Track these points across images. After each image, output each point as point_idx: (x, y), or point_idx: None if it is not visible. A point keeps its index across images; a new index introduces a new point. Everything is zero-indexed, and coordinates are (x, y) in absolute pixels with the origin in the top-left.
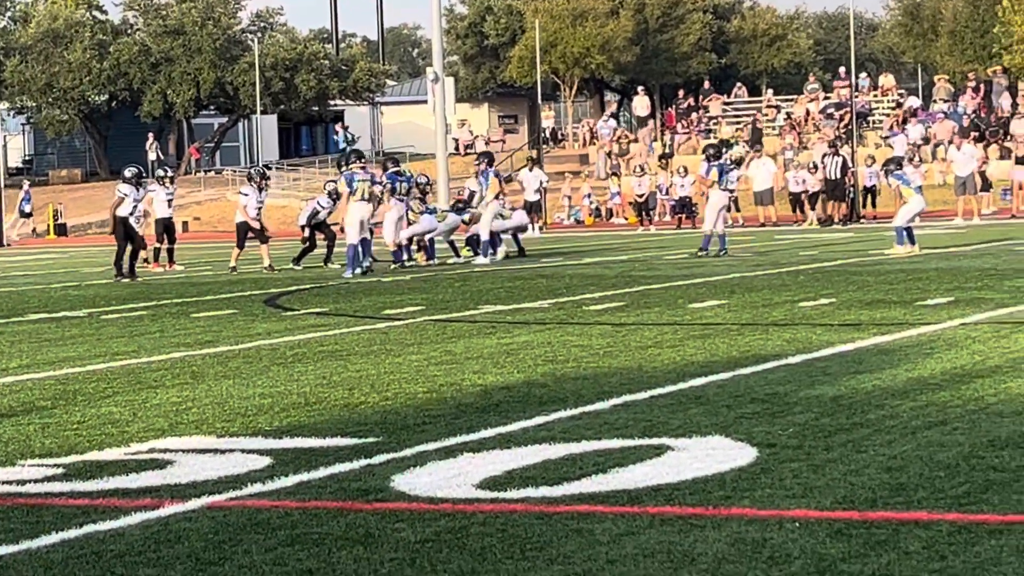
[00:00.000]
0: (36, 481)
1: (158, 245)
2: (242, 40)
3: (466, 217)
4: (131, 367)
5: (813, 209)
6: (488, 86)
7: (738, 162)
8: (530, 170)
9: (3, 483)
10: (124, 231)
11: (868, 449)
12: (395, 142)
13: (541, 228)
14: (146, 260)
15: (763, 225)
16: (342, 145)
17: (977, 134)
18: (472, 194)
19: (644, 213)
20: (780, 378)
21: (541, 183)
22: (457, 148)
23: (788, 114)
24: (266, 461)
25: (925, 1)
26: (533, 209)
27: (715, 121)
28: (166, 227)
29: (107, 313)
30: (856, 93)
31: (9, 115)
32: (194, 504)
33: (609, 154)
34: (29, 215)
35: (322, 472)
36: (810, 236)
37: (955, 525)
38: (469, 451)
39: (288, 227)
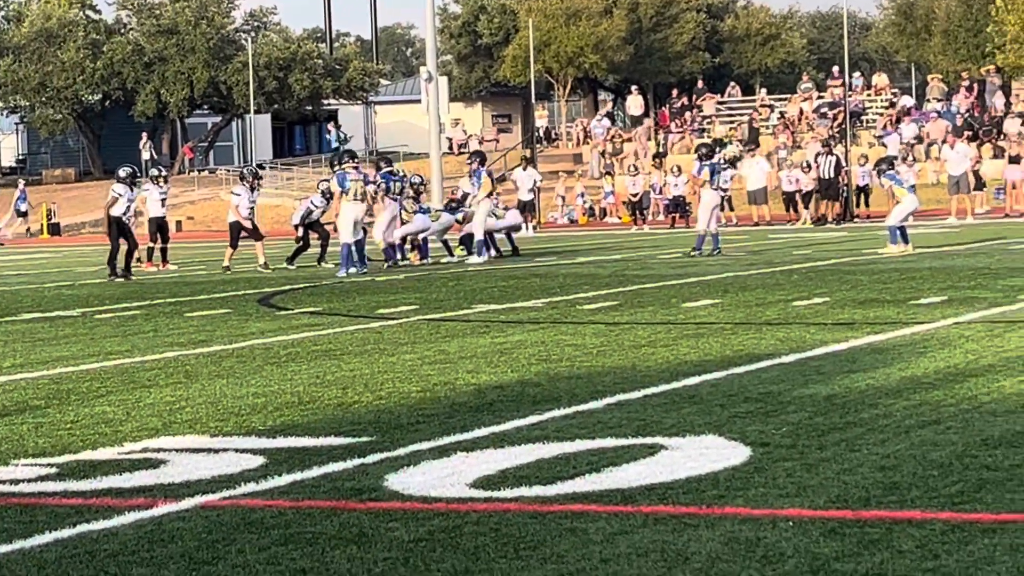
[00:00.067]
0: (29, 480)
1: (151, 244)
2: (236, 39)
3: (459, 216)
4: (125, 366)
5: (807, 208)
6: (482, 85)
7: (732, 161)
8: (524, 169)
9: None
10: (118, 230)
11: (861, 448)
12: (389, 141)
13: (535, 227)
14: (139, 260)
15: (757, 224)
16: (335, 144)
17: (970, 133)
18: (466, 195)
19: (638, 212)
20: (774, 377)
21: (535, 182)
22: (451, 147)
23: (782, 113)
24: (260, 460)
25: (918, 0)
26: (527, 208)
27: (709, 120)
28: (159, 226)
29: (100, 312)
30: (850, 92)
31: (2, 114)
32: (187, 503)
33: (603, 153)
34: (25, 214)
35: (316, 471)
36: (804, 235)
37: (948, 524)
38: (463, 450)
39: (282, 226)
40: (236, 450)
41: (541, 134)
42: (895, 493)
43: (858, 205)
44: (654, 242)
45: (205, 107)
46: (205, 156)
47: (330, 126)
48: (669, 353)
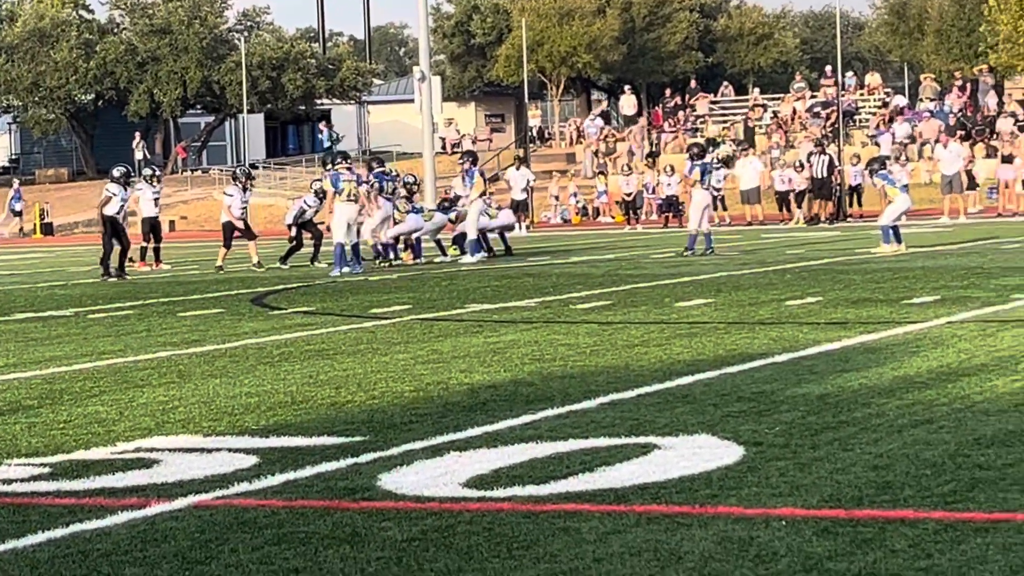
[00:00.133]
0: (22, 480)
1: (144, 244)
2: (229, 39)
3: (452, 216)
4: (118, 366)
5: (800, 208)
6: (475, 85)
7: (725, 161)
8: (517, 169)
9: None
10: (112, 230)
11: (854, 447)
12: (382, 141)
13: (528, 227)
14: (131, 259)
15: (750, 224)
16: (327, 144)
17: (963, 133)
18: (458, 197)
19: (632, 212)
20: (767, 377)
21: (528, 182)
22: (444, 147)
23: (775, 113)
24: (253, 460)
25: (911, 0)
26: (520, 208)
27: (702, 120)
28: (152, 226)
29: (93, 312)
30: (842, 92)
31: None
32: (180, 503)
33: (596, 153)
34: (20, 213)
35: (309, 471)
36: (796, 235)
37: (941, 523)
38: (456, 450)
39: (275, 226)
40: (229, 450)
41: (534, 134)
42: (888, 492)
43: (851, 205)
44: (647, 242)
45: (198, 107)
46: (198, 156)
47: (322, 126)
48: (662, 352)
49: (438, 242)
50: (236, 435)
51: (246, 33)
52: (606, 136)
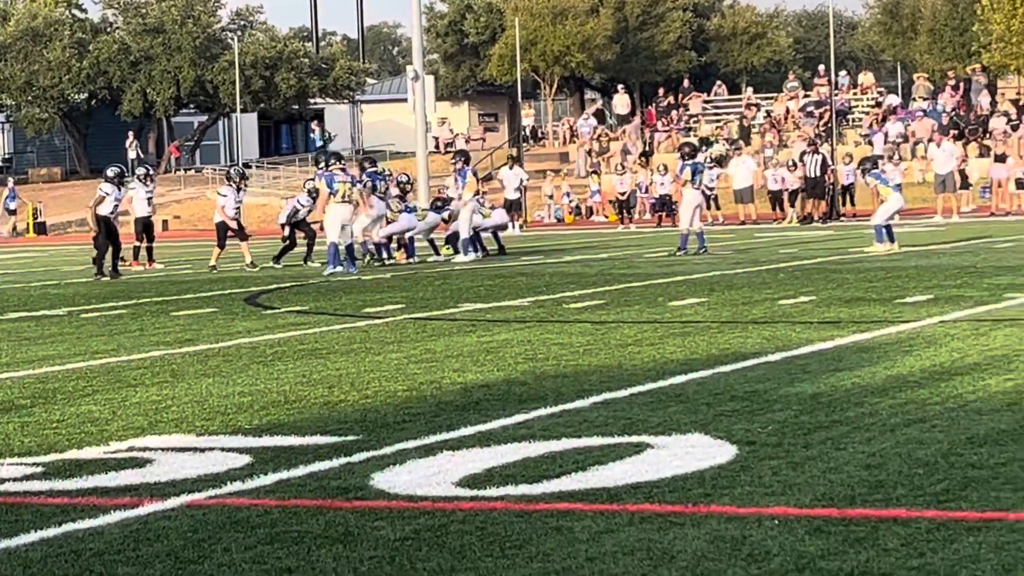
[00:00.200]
0: (15, 480)
1: (137, 243)
2: (222, 38)
3: (446, 215)
4: (111, 365)
5: (793, 207)
6: (468, 84)
7: (719, 160)
8: (510, 168)
9: None
10: (106, 230)
11: (847, 447)
12: (375, 140)
13: (521, 226)
14: (122, 259)
15: (743, 223)
16: (319, 143)
17: (956, 132)
18: (450, 199)
19: (625, 211)
20: (760, 376)
21: (521, 181)
22: (437, 146)
23: (768, 112)
24: (246, 459)
25: None
26: (513, 207)
27: (695, 119)
28: (145, 225)
29: (87, 312)
30: (836, 91)
31: None
32: (173, 502)
33: (589, 152)
34: (14, 212)
35: (302, 470)
36: (790, 234)
37: (934, 522)
38: (449, 449)
39: (268, 225)
40: (222, 449)
41: (527, 133)
42: (880, 491)
43: (843, 204)
44: (640, 241)
45: (191, 106)
46: (191, 155)
47: (314, 125)
48: (655, 352)
49: (431, 241)
50: (229, 434)
51: (239, 32)
52: (599, 135)
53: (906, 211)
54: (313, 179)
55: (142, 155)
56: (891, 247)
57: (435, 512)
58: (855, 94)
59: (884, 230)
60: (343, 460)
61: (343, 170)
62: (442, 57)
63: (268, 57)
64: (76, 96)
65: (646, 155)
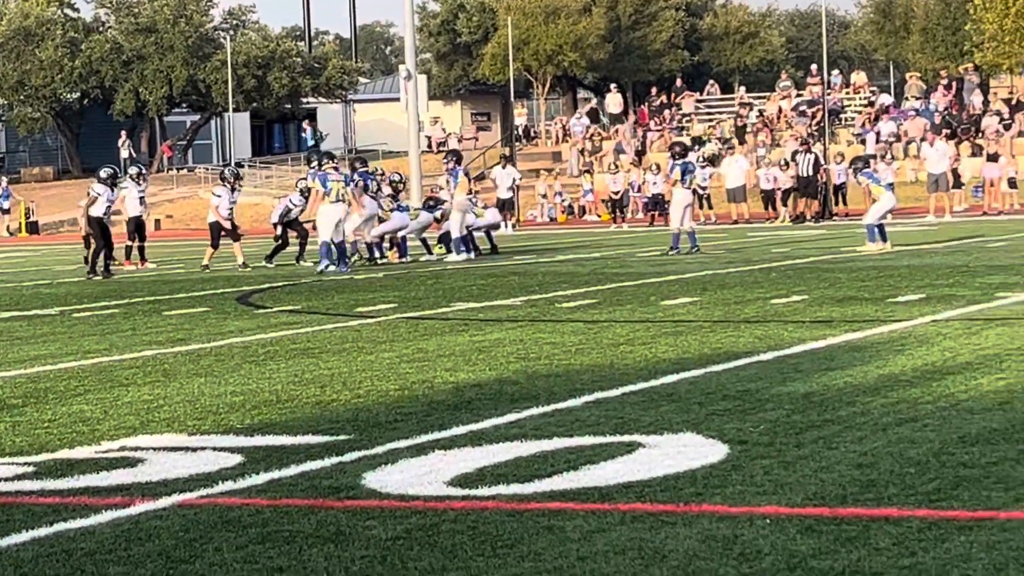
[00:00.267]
0: (7, 479)
1: (129, 243)
2: (214, 38)
3: (438, 214)
4: (103, 365)
5: (785, 206)
6: (461, 83)
7: (711, 160)
8: (503, 167)
9: None
10: (99, 230)
11: (839, 446)
12: (368, 140)
13: (514, 225)
14: (112, 258)
15: (736, 222)
16: (310, 143)
17: (949, 131)
18: (442, 200)
19: (618, 211)
20: (752, 375)
21: (514, 180)
22: (430, 145)
23: (760, 111)
24: (237, 459)
25: None
26: (506, 207)
27: (688, 119)
28: (137, 225)
29: (79, 311)
30: (828, 90)
31: None
32: (165, 502)
33: (582, 151)
34: (7, 211)
35: (293, 470)
36: (782, 233)
37: (925, 521)
38: (440, 448)
39: (261, 225)
40: (214, 448)
41: (520, 132)
42: (872, 490)
43: (835, 203)
44: (633, 240)
45: (184, 105)
46: (184, 154)
47: (305, 124)
48: (647, 351)
49: (424, 241)
50: (221, 434)
51: (232, 32)
52: (592, 135)
53: (899, 210)
54: (306, 178)
55: (134, 154)
56: (883, 246)
57: (427, 511)
58: (848, 93)
59: (876, 229)
60: (335, 459)
61: (336, 169)
62: (435, 56)
63: (261, 56)
64: (68, 95)
65: (639, 154)
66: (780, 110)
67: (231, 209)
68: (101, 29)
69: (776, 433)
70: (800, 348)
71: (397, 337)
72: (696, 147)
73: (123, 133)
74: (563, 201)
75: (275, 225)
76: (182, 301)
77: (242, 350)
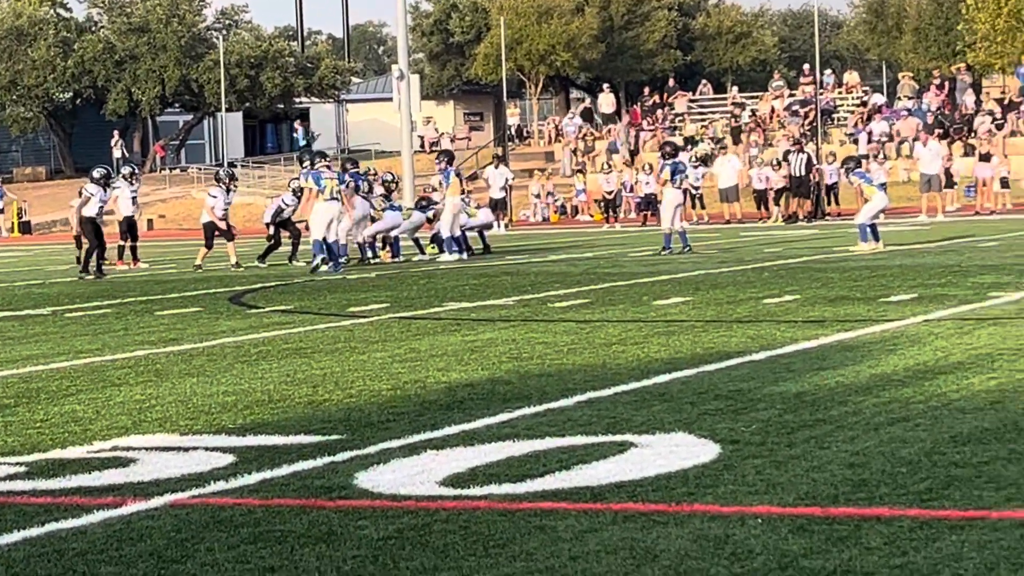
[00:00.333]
0: None
1: (122, 243)
2: (207, 38)
3: (430, 214)
4: (95, 365)
5: (778, 206)
6: (453, 83)
7: (703, 159)
8: (495, 167)
9: None
10: (92, 230)
11: (831, 445)
12: (360, 139)
13: (507, 225)
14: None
15: (728, 222)
16: (302, 143)
17: (941, 131)
18: (434, 202)
19: (611, 210)
20: (744, 375)
21: (507, 180)
22: (422, 145)
23: (753, 111)
24: (229, 459)
25: None
26: (498, 206)
27: (680, 118)
28: (129, 225)
29: (71, 311)
30: (821, 90)
31: None
32: (157, 502)
33: (574, 151)
34: (1, 211)
35: (285, 470)
36: (774, 233)
37: (917, 521)
38: (433, 448)
39: (253, 224)
40: (206, 448)
41: (513, 132)
42: (864, 490)
43: (828, 203)
44: (625, 240)
45: (176, 105)
46: (176, 154)
47: (296, 124)
48: (639, 351)
49: (416, 240)
50: (213, 434)
51: (224, 31)
52: (585, 135)
53: (891, 210)
54: (298, 178)
55: (127, 154)
56: (876, 246)
57: (419, 511)
58: (840, 93)
59: (869, 229)
60: (327, 459)
61: (328, 167)
62: (427, 56)
63: (253, 56)
64: (61, 95)
65: (632, 154)
66: (773, 110)
67: (226, 210)
68: (94, 29)
69: (768, 433)
70: (792, 348)
71: (389, 337)
72: (689, 147)
73: (116, 133)
74: (556, 201)
75: (268, 225)
76: (174, 301)
77: (234, 350)
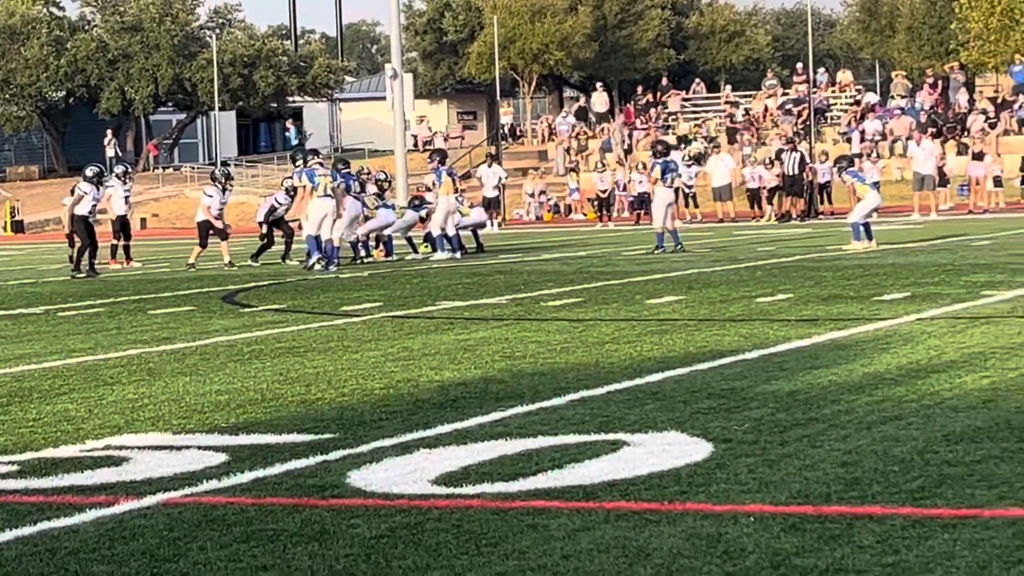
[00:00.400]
0: None
1: (115, 242)
2: (200, 36)
3: (423, 213)
4: (87, 364)
5: (771, 205)
6: (447, 82)
7: (697, 158)
8: (489, 166)
9: None
10: (84, 229)
11: (823, 444)
12: (354, 138)
13: (500, 224)
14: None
15: (721, 221)
16: (294, 142)
17: (935, 130)
18: (428, 201)
19: (604, 209)
20: (736, 373)
21: (500, 179)
22: (416, 144)
23: (746, 110)
24: (222, 458)
25: None
26: (491, 205)
27: (674, 117)
28: (122, 224)
29: (64, 310)
30: (814, 89)
31: None
32: (149, 501)
33: (568, 150)
34: None
35: (278, 468)
36: (768, 232)
37: (909, 519)
38: (425, 447)
39: (246, 223)
40: (199, 447)
41: (506, 131)
42: (856, 488)
43: (821, 202)
44: (619, 239)
45: (170, 104)
46: (170, 153)
47: (288, 123)
48: (632, 349)
49: (409, 239)
50: (206, 433)
51: (218, 30)
52: (578, 134)
53: (884, 209)
54: (291, 177)
55: (120, 153)
56: (869, 245)
57: (411, 510)
58: (833, 92)
59: (862, 228)
60: (320, 458)
61: (321, 164)
62: (421, 55)
63: (247, 55)
64: (54, 94)
65: (625, 152)
66: (766, 109)
67: (221, 209)
68: (87, 28)
69: (761, 431)
70: (785, 346)
71: (382, 336)
72: (682, 146)
73: (109, 132)
74: (549, 200)
75: (261, 224)
76: (167, 300)
77: (227, 349)
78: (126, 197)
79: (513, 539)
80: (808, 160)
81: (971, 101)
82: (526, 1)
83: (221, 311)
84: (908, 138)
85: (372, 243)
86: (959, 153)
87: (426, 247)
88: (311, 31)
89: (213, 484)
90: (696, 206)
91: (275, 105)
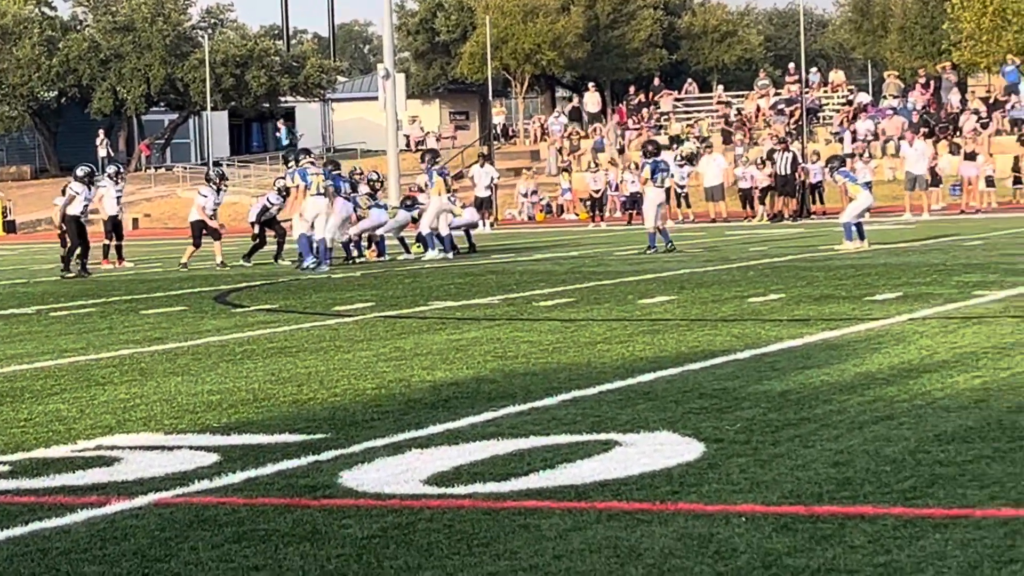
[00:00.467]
0: None
1: (107, 242)
2: (192, 36)
3: (415, 213)
4: (79, 364)
5: (763, 205)
6: (439, 82)
7: (689, 158)
8: (481, 166)
9: None
10: (76, 229)
11: (815, 444)
12: (346, 138)
13: (492, 224)
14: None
15: (713, 221)
16: (285, 142)
17: (927, 130)
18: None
19: (597, 209)
20: (728, 373)
21: (492, 179)
22: (408, 144)
23: (739, 110)
24: (214, 458)
25: None
26: (484, 205)
27: (666, 117)
28: (114, 224)
29: (56, 310)
30: (806, 89)
31: None
32: (141, 501)
33: (560, 150)
34: None
35: (270, 468)
36: (760, 232)
37: (900, 519)
38: (417, 447)
39: (239, 223)
40: (190, 447)
41: (498, 131)
42: (848, 488)
43: (813, 202)
44: (611, 239)
45: (162, 104)
46: (162, 153)
47: (280, 124)
48: (624, 349)
49: (402, 239)
50: (197, 433)
51: (210, 30)
52: (570, 134)
53: (876, 209)
54: (284, 177)
55: (112, 153)
56: (861, 245)
57: (403, 510)
58: (826, 92)
59: (854, 228)
60: (311, 458)
61: (313, 163)
62: (413, 55)
63: (239, 55)
64: (46, 94)
65: (620, 152)
66: (758, 108)
67: (215, 209)
68: (79, 27)
69: (752, 431)
70: (777, 346)
71: (374, 336)
72: (674, 146)
73: (101, 132)
74: (541, 200)
75: (253, 224)
76: (159, 300)
77: (219, 349)
78: (118, 197)
79: (505, 539)
80: (800, 160)
81: (963, 101)
82: (518, 1)
83: (213, 311)
84: (900, 138)
85: (364, 243)
86: (951, 153)
87: (418, 247)
88: (303, 31)
89: (205, 484)
90: (688, 206)
91: (267, 105)
